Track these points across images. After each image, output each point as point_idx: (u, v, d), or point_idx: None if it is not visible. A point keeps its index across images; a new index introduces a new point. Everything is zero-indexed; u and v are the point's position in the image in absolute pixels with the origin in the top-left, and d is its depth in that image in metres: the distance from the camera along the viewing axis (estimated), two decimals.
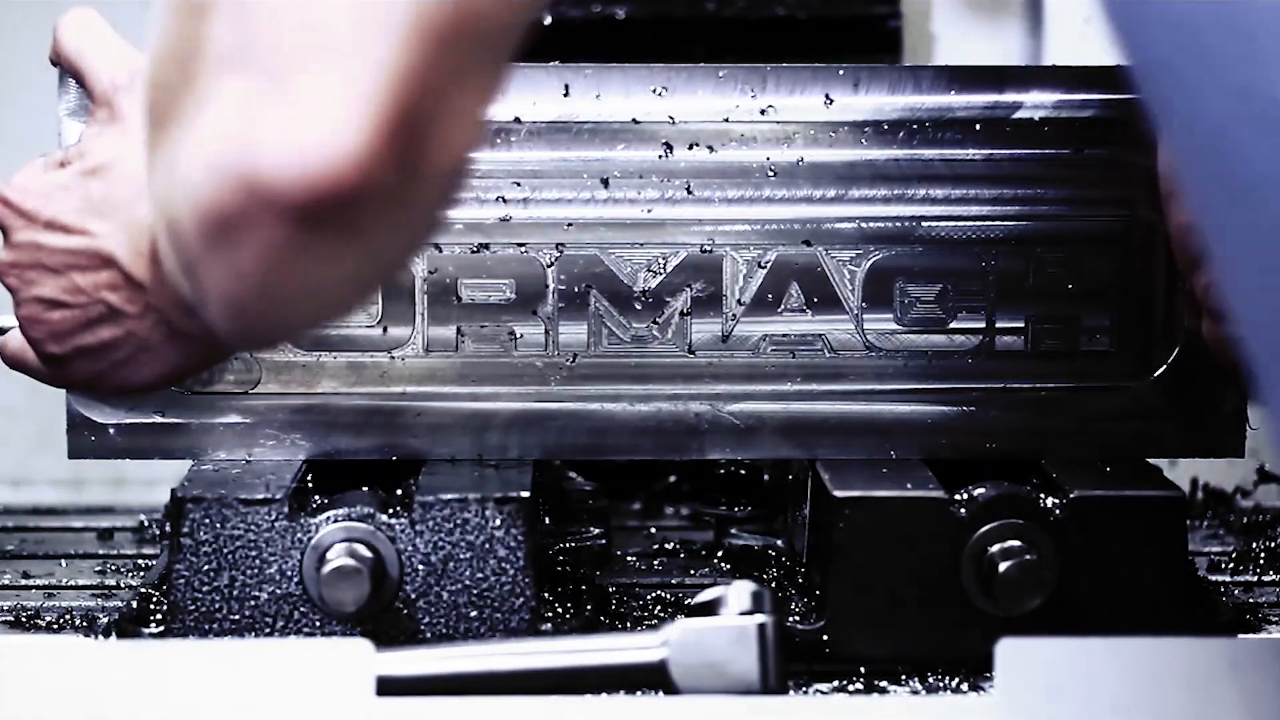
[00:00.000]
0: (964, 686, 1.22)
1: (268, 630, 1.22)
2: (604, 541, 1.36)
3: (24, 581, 1.39)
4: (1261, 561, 1.43)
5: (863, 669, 1.24)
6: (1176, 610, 1.25)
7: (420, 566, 1.22)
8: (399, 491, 1.26)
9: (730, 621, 1.09)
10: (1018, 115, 1.30)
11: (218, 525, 1.22)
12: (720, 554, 1.42)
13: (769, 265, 1.30)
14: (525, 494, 1.23)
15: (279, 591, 1.22)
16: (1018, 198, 1.31)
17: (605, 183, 1.29)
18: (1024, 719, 1.05)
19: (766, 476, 1.49)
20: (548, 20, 1.62)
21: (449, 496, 1.23)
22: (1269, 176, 0.82)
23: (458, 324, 1.30)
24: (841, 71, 1.30)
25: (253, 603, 1.22)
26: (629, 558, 1.44)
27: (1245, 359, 0.87)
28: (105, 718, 1.05)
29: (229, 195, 0.89)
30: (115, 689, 1.05)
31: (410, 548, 1.22)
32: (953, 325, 1.31)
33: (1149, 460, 1.33)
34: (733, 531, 1.41)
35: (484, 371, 1.31)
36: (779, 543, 1.38)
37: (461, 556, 1.22)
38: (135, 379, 1.21)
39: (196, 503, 1.23)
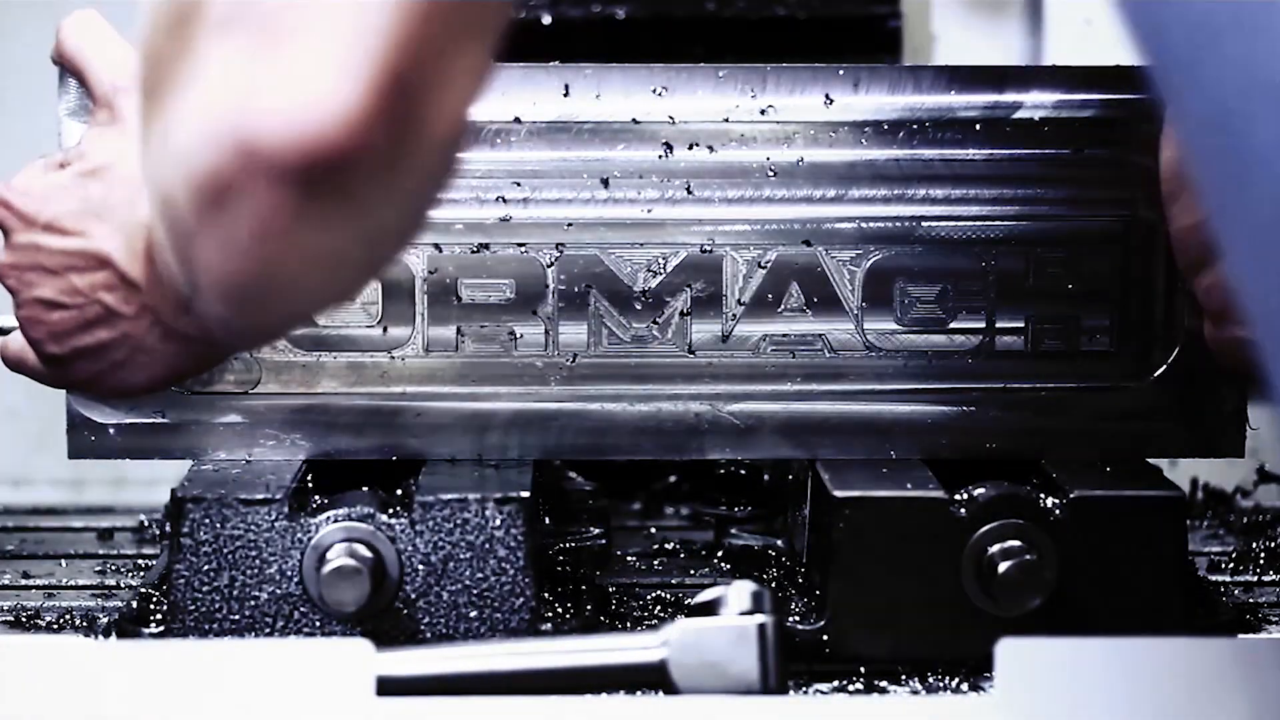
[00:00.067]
0: (964, 686, 1.22)
1: (268, 630, 1.22)
2: (604, 541, 1.35)
3: (24, 581, 1.39)
4: (1261, 561, 1.43)
5: (863, 669, 1.24)
6: (1176, 610, 1.24)
7: (420, 566, 1.22)
8: (399, 491, 1.26)
9: (730, 621, 1.09)
10: (1018, 115, 1.30)
11: (218, 525, 1.22)
12: (720, 554, 1.42)
13: (769, 265, 1.30)
14: (525, 494, 1.23)
15: (279, 591, 1.22)
16: (1018, 198, 1.31)
17: (605, 183, 1.29)
18: (1024, 719, 1.05)
19: (766, 476, 1.48)
20: (547, 20, 1.62)
21: (449, 496, 1.23)
22: None
23: (458, 324, 1.30)
24: (841, 71, 1.30)
25: (253, 603, 1.22)
26: (629, 558, 1.44)
27: (1255, 356, 0.86)
28: (105, 718, 1.04)
29: (223, 159, 0.88)
30: (115, 689, 1.05)
31: (410, 548, 1.22)
32: (953, 325, 1.31)
33: (1149, 460, 1.33)
34: (733, 531, 1.41)
35: (484, 371, 1.31)
36: (779, 543, 1.38)
37: (461, 556, 1.22)
38: (133, 380, 1.21)
39: (196, 503, 1.23)
